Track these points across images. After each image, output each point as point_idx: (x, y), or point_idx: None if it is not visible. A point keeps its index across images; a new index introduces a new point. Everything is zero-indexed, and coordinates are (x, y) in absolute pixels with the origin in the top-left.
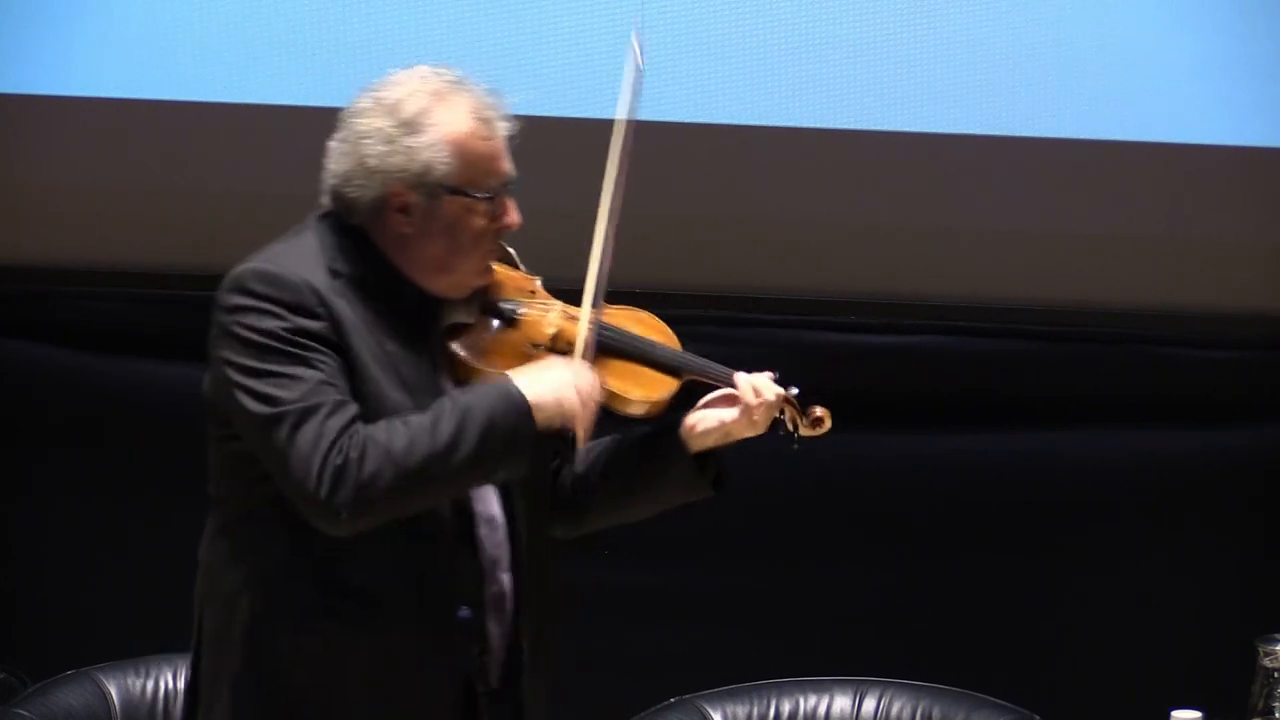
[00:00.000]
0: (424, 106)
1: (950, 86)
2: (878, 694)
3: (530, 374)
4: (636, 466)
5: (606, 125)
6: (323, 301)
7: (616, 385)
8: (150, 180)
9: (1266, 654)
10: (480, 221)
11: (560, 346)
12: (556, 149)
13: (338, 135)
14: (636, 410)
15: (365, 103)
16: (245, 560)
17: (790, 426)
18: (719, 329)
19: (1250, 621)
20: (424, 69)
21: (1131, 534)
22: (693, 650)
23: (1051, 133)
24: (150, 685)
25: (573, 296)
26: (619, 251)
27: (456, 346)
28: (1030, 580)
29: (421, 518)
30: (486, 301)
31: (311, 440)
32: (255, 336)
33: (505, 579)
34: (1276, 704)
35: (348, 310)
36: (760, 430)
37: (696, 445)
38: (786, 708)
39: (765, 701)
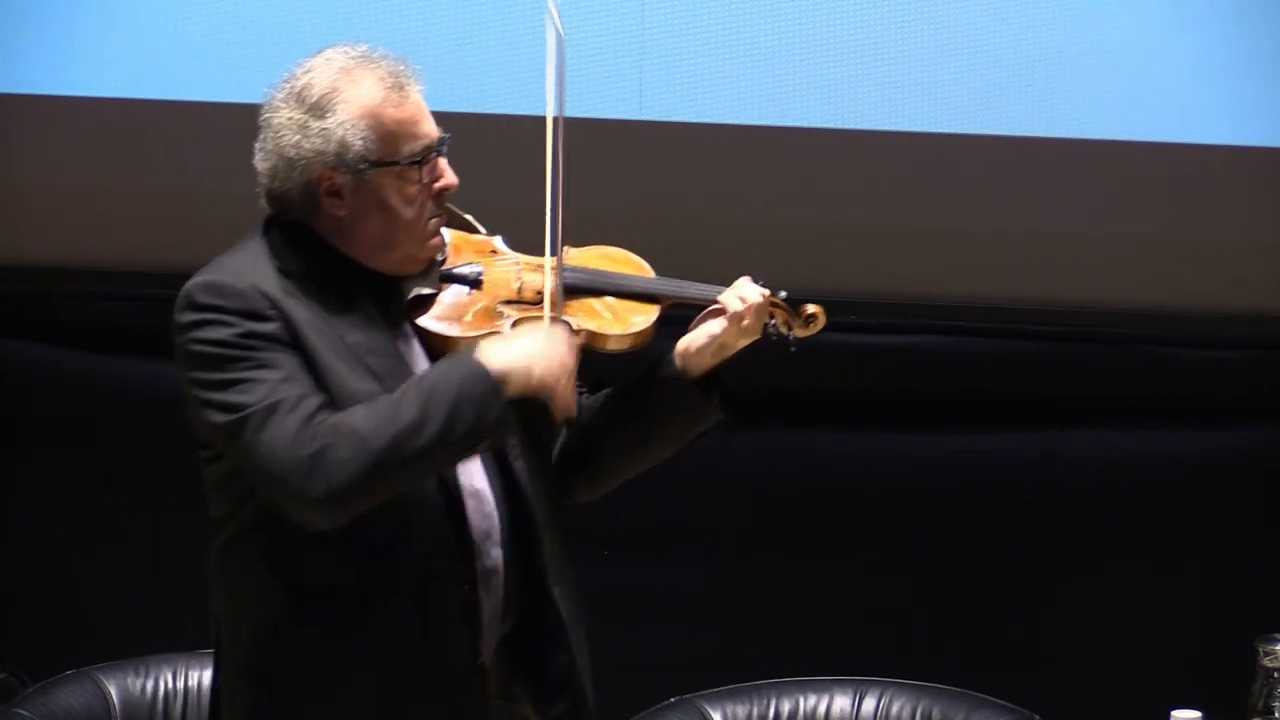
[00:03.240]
0: (331, 86)
1: (950, 86)
2: (878, 694)
3: (498, 343)
4: (642, 406)
5: (607, 125)
6: (273, 304)
7: (594, 323)
8: (150, 180)
9: (1266, 654)
10: (413, 189)
11: (529, 298)
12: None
13: (258, 137)
14: (620, 345)
15: (276, 97)
16: (244, 577)
17: (784, 329)
18: None
19: (1250, 621)
20: (329, 51)
21: (1132, 534)
22: (693, 650)
23: (1051, 133)
24: (150, 685)
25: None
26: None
27: (424, 320)
28: (1030, 580)
29: (406, 501)
30: (446, 270)
31: (279, 436)
32: (209, 349)
33: (496, 553)
34: (1276, 704)
35: (302, 309)
36: (754, 335)
37: (695, 368)
38: (786, 708)
39: (765, 701)
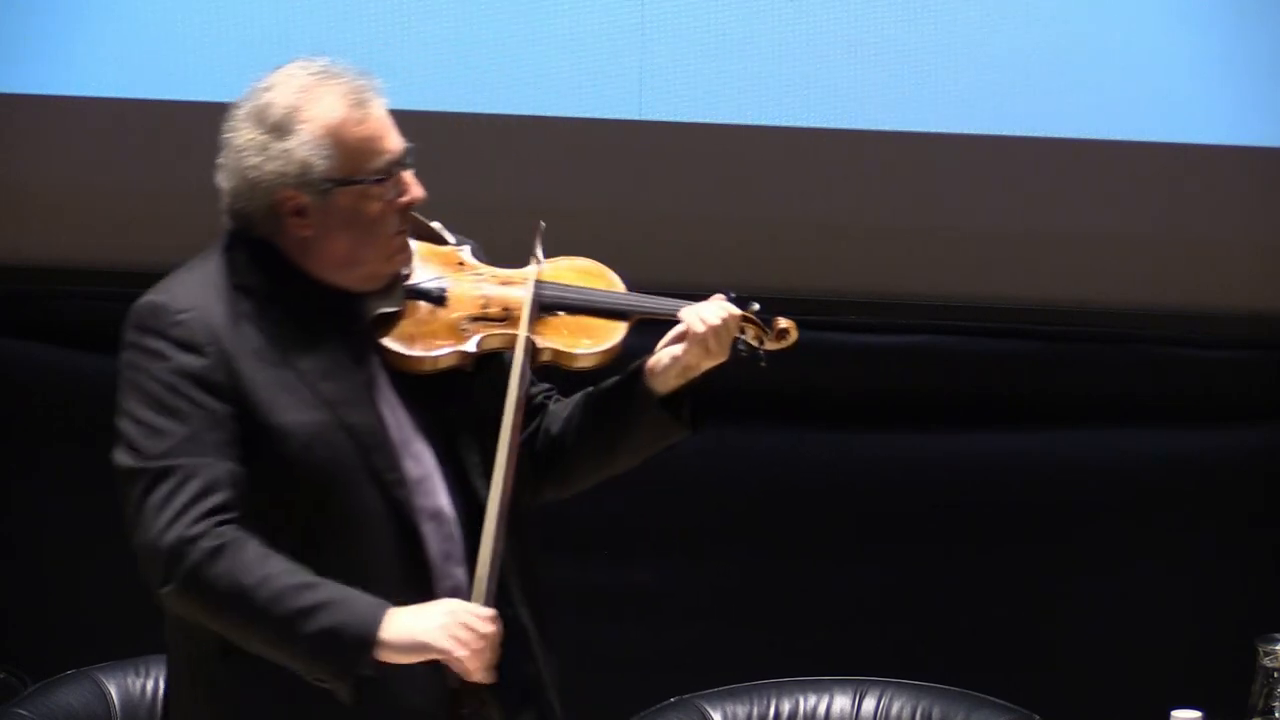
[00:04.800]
0: (291, 105)
1: (950, 86)
2: (878, 694)
3: (411, 613)
4: (607, 419)
5: (606, 125)
6: (213, 336)
7: (560, 341)
8: (150, 180)
9: (1266, 654)
10: (377, 205)
11: (495, 314)
12: (555, 148)
13: (220, 153)
14: (587, 363)
15: (238, 114)
16: None
17: (755, 343)
18: None
19: (1250, 621)
20: (290, 66)
21: (1131, 534)
22: (693, 650)
23: (1051, 133)
24: (150, 685)
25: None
26: (618, 251)
27: (386, 340)
28: (1030, 580)
29: (357, 523)
30: (410, 286)
31: (160, 502)
32: (136, 376)
33: (458, 573)
34: (1276, 704)
35: (254, 335)
36: (720, 357)
37: (660, 387)
38: (786, 708)
39: (765, 701)
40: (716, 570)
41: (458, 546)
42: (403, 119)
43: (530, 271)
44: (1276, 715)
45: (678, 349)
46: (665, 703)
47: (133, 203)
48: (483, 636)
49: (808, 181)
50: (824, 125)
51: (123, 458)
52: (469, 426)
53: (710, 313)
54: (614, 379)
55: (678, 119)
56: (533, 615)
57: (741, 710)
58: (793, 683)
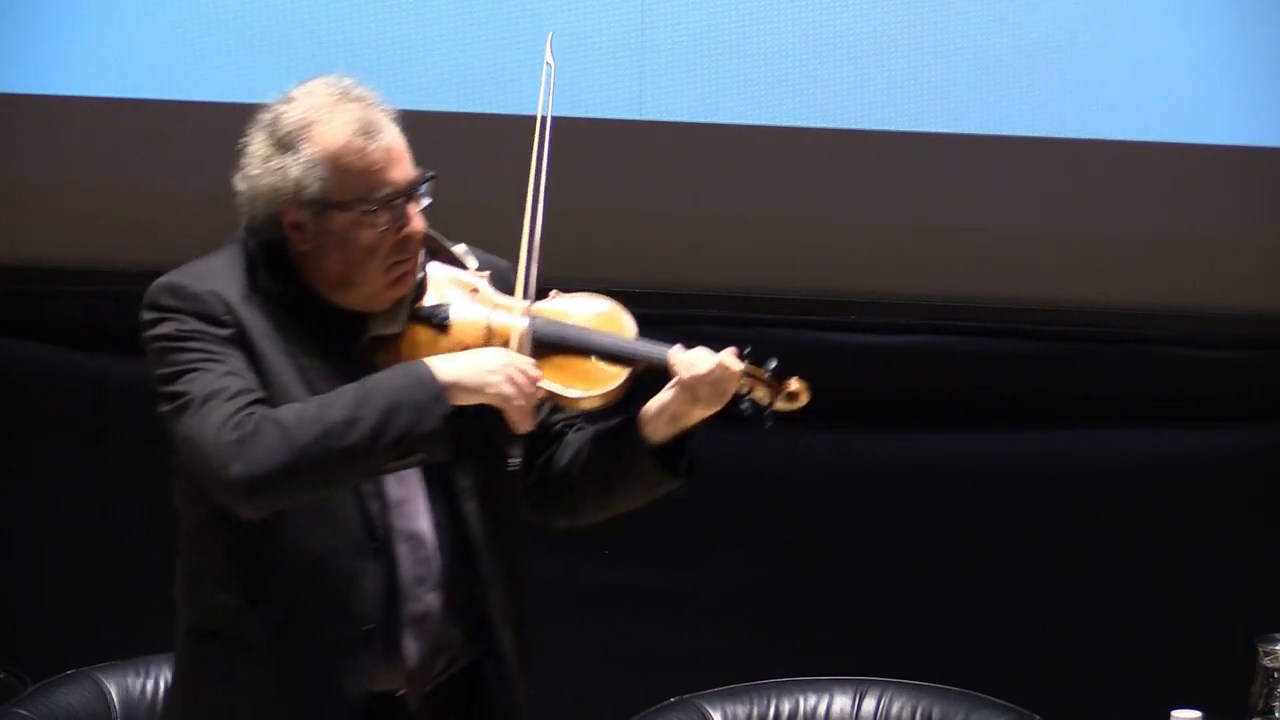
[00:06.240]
0: (301, 122)
1: (950, 86)
2: (878, 694)
3: (451, 355)
4: (605, 462)
5: (606, 125)
6: (230, 310)
7: (560, 382)
8: (150, 180)
9: (1266, 654)
10: (371, 234)
11: (496, 345)
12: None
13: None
14: (586, 405)
15: (261, 120)
16: (184, 578)
17: (762, 403)
18: (718, 329)
19: (1250, 621)
20: (316, 81)
21: (1131, 534)
22: (693, 650)
23: (1051, 133)
24: (150, 685)
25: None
26: (618, 251)
27: (380, 361)
28: (1030, 580)
29: (328, 531)
30: (415, 309)
31: (211, 421)
32: (165, 344)
33: (431, 597)
34: (1276, 704)
35: (260, 321)
36: (711, 407)
37: (652, 435)
38: (786, 708)
39: (765, 701)
40: (716, 570)
41: (433, 572)
42: (403, 119)
43: (535, 306)
44: (1276, 715)
45: (667, 395)
46: (665, 703)
47: (133, 203)
48: (533, 382)
49: (808, 181)
50: (824, 125)
51: (165, 406)
52: (463, 452)
53: (700, 361)
54: (616, 420)
55: (678, 119)
56: (514, 652)
57: (741, 710)
58: (793, 683)
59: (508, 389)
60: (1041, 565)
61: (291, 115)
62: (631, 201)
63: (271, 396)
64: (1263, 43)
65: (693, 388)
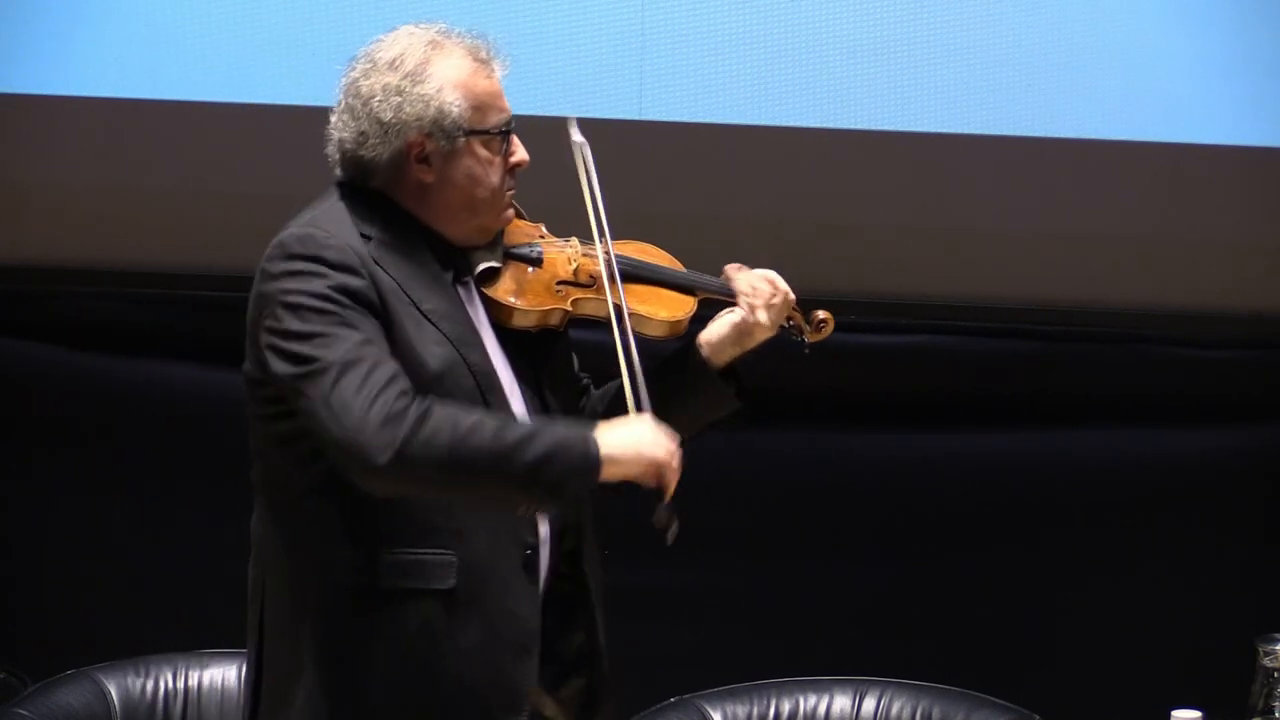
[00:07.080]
0: (424, 57)
1: (950, 86)
2: (878, 694)
3: (614, 428)
4: (666, 390)
5: (607, 125)
6: (362, 261)
7: (642, 308)
8: (150, 180)
9: (1266, 654)
10: (495, 160)
11: (583, 279)
12: (555, 147)
13: (339, 106)
14: (659, 331)
15: (362, 67)
16: (303, 546)
17: (798, 333)
18: None
19: (1250, 621)
20: (408, 27)
21: (1131, 534)
22: (693, 650)
23: (1051, 133)
24: (150, 685)
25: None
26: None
27: (493, 291)
28: (1030, 580)
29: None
30: (508, 247)
31: (356, 386)
32: (299, 299)
33: (544, 529)
34: (1276, 704)
35: (383, 274)
36: (771, 328)
37: (716, 357)
38: (786, 708)
39: (765, 701)
40: (717, 570)
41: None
42: None
43: (602, 245)
44: (1276, 715)
45: (734, 316)
46: (665, 703)
47: (133, 203)
48: (673, 450)
49: (808, 181)
50: (824, 125)
51: (294, 368)
52: (554, 384)
53: (762, 287)
54: (669, 353)
55: (678, 119)
56: (597, 588)
57: (741, 710)
58: (793, 683)
59: (665, 462)
60: (1041, 565)
61: (411, 52)
62: (630, 201)
63: (401, 351)
64: (1263, 43)
65: (754, 308)
